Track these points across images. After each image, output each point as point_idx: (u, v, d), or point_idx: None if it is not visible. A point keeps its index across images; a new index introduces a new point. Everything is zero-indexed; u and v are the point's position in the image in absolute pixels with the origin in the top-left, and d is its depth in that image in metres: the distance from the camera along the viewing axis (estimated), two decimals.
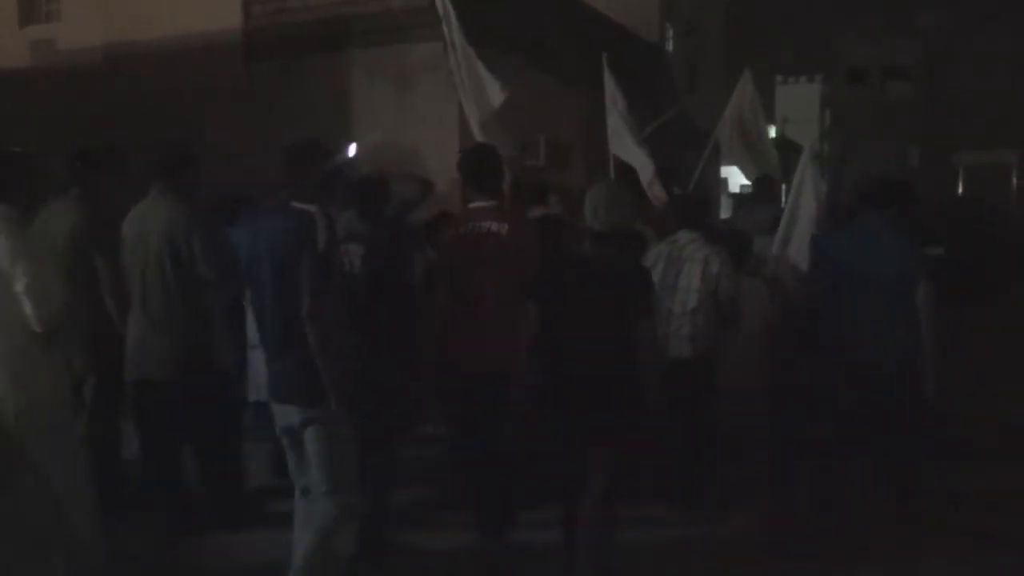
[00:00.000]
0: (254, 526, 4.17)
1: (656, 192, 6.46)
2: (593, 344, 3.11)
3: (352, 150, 3.91)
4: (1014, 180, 25.86)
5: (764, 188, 6.98)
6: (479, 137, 5.84)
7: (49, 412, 3.12)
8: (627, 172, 6.66)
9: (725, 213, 19.00)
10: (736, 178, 30.74)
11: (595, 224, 3.25)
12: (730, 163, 8.39)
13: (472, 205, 3.73)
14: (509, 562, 3.58)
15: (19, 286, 2.98)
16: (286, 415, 3.18)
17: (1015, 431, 5.46)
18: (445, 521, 4.26)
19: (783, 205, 5.93)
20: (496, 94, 5.98)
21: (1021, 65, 26.77)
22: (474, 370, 3.51)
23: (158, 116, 13.00)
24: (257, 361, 4.53)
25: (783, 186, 7.42)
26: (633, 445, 3.26)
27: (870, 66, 34.59)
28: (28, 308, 2.98)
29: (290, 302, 3.01)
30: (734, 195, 21.07)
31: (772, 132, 35.72)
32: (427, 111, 11.42)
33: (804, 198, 5.00)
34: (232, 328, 4.43)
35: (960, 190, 23.36)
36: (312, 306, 2.98)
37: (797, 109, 37.85)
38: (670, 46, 20.53)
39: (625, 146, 6.75)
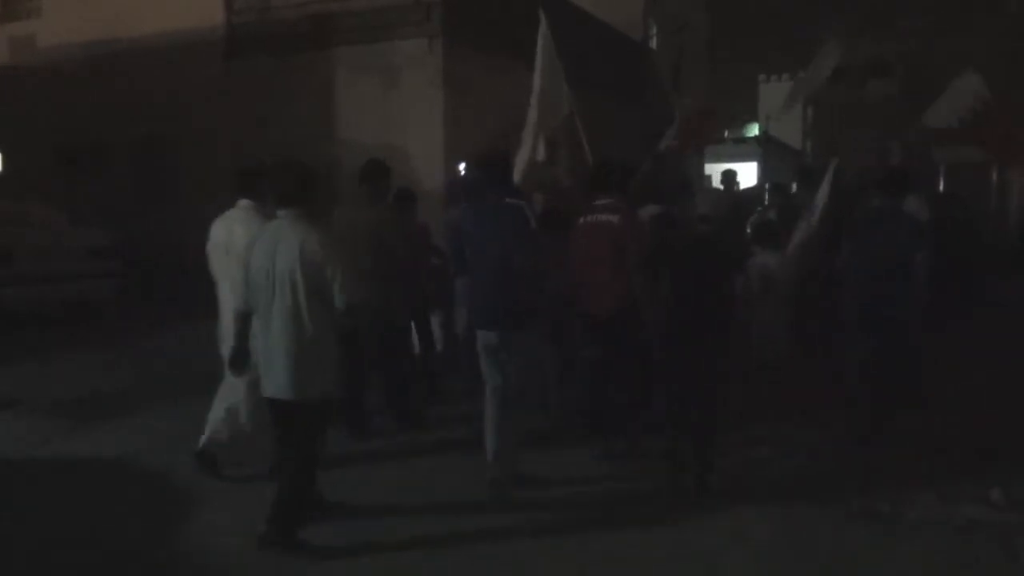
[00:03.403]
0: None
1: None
2: (704, 290, 4.68)
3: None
4: (994, 176, 26.14)
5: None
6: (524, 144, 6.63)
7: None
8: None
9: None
10: (718, 176, 30.93)
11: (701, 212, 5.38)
12: None
13: (597, 202, 5.17)
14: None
15: (331, 272, 3.70)
16: (490, 337, 4.61)
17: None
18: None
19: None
20: (562, 107, 7.14)
21: (1001, 65, 27.07)
22: (596, 311, 5.11)
23: (139, 112, 12.98)
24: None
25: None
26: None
27: (852, 64, 34.76)
28: (337, 290, 3.71)
29: (508, 262, 4.50)
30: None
31: (756, 129, 35.99)
32: (412, 108, 11.40)
33: (819, 200, 6.73)
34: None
35: (941, 186, 23.55)
36: (530, 264, 4.50)
37: (780, 106, 38.01)
38: (654, 43, 20.58)
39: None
